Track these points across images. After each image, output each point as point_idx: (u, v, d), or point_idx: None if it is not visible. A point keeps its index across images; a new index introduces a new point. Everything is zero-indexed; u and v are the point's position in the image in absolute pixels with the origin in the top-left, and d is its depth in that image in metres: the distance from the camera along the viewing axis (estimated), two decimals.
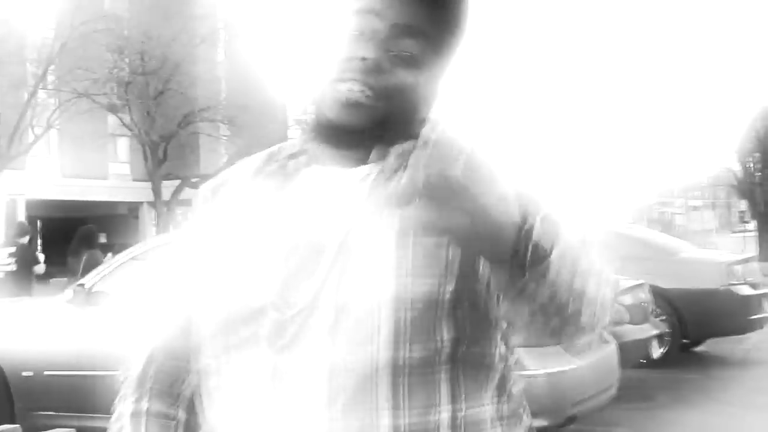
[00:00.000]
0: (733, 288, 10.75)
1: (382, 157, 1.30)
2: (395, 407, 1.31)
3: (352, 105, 1.40)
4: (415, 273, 1.33)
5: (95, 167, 44.53)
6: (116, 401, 1.60)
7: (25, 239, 13.47)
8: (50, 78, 33.67)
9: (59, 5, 37.33)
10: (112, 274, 7.29)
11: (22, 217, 41.25)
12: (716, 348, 11.56)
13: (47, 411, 7.11)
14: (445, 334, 1.34)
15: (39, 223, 47.11)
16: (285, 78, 41.42)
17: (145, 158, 36.38)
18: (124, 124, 36.79)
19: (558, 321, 1.24)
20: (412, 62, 1.42)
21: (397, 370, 1.31)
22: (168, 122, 34.91)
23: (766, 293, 11.37)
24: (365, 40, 1.41)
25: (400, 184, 1.15)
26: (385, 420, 1.31)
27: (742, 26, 48.14)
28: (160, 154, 35.69)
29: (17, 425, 2.74)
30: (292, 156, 1.53)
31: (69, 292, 7.25)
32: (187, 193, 39.37)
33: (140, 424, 1.54)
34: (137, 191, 44.62)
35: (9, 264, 12.48)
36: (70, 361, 7.04)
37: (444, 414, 1.34)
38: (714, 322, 10.72)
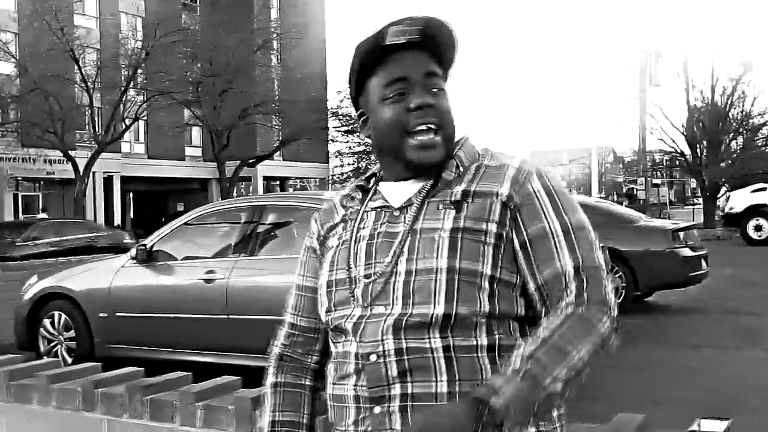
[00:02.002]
0: (676, 250, 10.65)
1: (437, 173, 1.48)
2: (444, 338, 1.38)
3: (428, 146, 1.46)
4: (463, 256, 1.40)
5: (174, 150, 44.85)
6: (266, 368, 1.68)
7: None
8: (138, 79, 33.72)
9: (145, 21, 37.50)
10: (169, 236, 7.24)
11: (117, 190, 41.65)
12: (662, 299, 11.43)
13: (118, 344, 7.11)
14: (485, 300, 1.39)
15: (131, 194, 47.69)
16: (325, 78, 41.22)
17: (213, 144, 36.51)
18: (196, 116, 36.94)
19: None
20: (441, 94, 1.49)
21: (447, 319, 1.38)
22: (230, 115, 34.94)
23: (704, 254, 11.25)
24: (414, 95, 1.46)
25: (456, 192, 1.44)
26: (438, 343, 1.37)
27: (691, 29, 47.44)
28: (224, 140, 35.77)
29: (142, 368, 2.70)
30: (368, 178, 1.59)
31: (133, 250, 7.20)
32: (245, 171, 39.56)
33: (277, 393, 1.61)
34: (207, 170, 44.97)
35: None
36: (135, 306, 7.02)
37: (483, 341, 1.39)
38: (661, 278, 10.66)
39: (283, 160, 45.96)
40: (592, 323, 1.37)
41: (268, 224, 6.97)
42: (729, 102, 33.86)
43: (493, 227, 1.43)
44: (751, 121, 34.65)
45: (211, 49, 34.48)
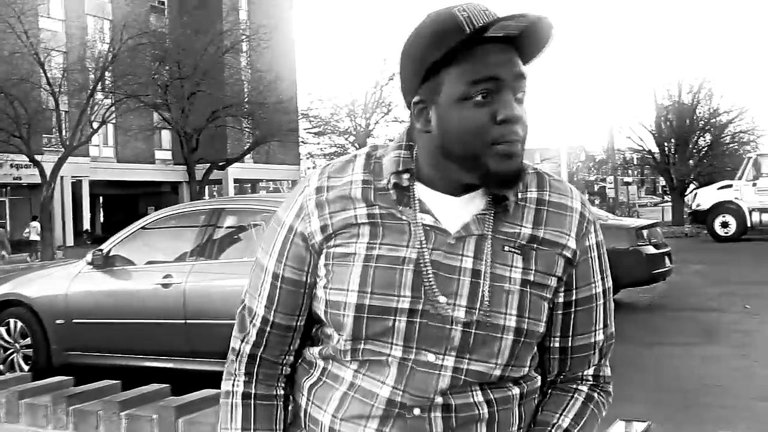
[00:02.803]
0: (640, 248, 10.70)
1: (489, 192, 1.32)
2: (484, 391, 1.30)
3: (513, 155, 1.27)
4: (531, 316, 1.29)
5: (143, 154, 44.55)
6: (228, 370, 1.43)
7: None
8: (106, 82, 33.40)
9: (112, 23, 37.19)
10: (126, 241, 7.15)
11: (86, 194, 41.23)
12: (628, 296, 11.50)
13: (76, 352, 7.02)
14: (530, 362, 1.35)
15: (101, 199, 47.26)
16: (295, 80, 41.11)
17: (182, 146, 36.30)
18: (164, 119, 36.71)
19: None
20: (523, 101, 1.30)
21: (501, 380, 1.31)
22: (199, 117, 34.77)
23: (668, 251, 11.33)
24: (502, 103, 1.25)
25: (524, 234, 1.31)
26: (480, 397, 1.29)
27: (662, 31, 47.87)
28: (194, 143, 35.60)
29: (71, 377, 2.61)
30: (399, 173, 1.32)
31: (89, 255, 7.11)
32: (215, 174, 39.39)
33: (249, 407, 1.39)
34: (177, 173, 44.70)
35: None
36: (92, 312, 6.93)
37: (515, 390, 1.33)
38: (626, 275, 10.63)
39: (254, 162, 45.80)
40: (601, 410, 1.43)
41: (227, 227, 6.91)
42: (696, 100, 34.22)
43: (554, 282, 1.33)
44: (717, 118, 35.06)
45: (180, 52, 34.30)
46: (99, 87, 32.65)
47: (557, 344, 1.38)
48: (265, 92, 36.68)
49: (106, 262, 6.97)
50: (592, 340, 1.39)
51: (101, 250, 7.04)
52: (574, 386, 1.42)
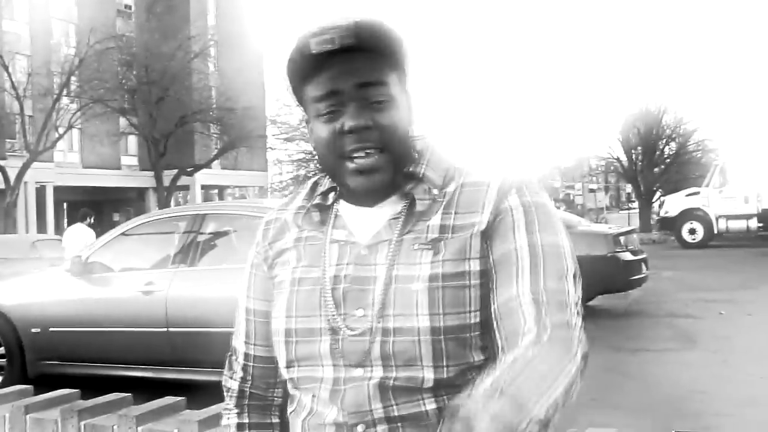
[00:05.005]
0: (617, 254, 10.74)
1: (405, 195, 1.29)
2: (438, 399, 1.23)
3: (368, 171, 1.25)
4: (446, 310, 1.22)
5: (109, 159, 43.99)
6: (223, 408, 1.48)
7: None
8: (72, 87, 32.99)
9: (78, 27, 36.74)
10: (105, 247, 7.00)
11: (50, 201, 40.62)
12: (605, 302, 11.54)
13: (52, 361, 6.85)
14: (478, 354, 1.24)
15: (65, 205, 46.56)
16: (263, 86, 40.94)
17: (149, 152, 35.93)
18: (132, 125, 36.34)
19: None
20: (385, 106, 1.26)
21: (437, 382, 1.23)
22: (167, 123, 34.43)
23: (644, 258, 11.40)
24: (347, 114, 1.24)
25: (433, 227, 1.25)
26: (432, 405, 1.23)
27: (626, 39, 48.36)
28: (161, 148, 35.21)
29: (77, 390, 2.50)
30: (326, 193, 1.36)
31: (67, 262, 6.95)
32: (183, 180, 39.03)
33: None
34: (144, 179, 44.20)
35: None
36: (70, 320, 6.77)
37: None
38: (603, 282, 10.67)
39: (222, 168, 45.47)
40: (563, 351, 1.14)
41: (209, 233, 6.80)
42: (662, 108, 34.63)
43: (475, 265, 1.23)
44: (683, 126, 35.50)
45: (147, 56, 33.99)
46: (65, 92, 32.24)
47: (488, 316, 1.23)
48: (234, 98, 36.46)
49: (85, 269, 6.81)
50: (514, 293, 1.20)
51: (80, 257, 6.88)
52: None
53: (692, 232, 24.15)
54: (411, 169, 1.30)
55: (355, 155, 1.24)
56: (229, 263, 6.41)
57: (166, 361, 6.35)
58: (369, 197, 1.29)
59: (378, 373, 1.22)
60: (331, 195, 1.36)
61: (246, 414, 1.44)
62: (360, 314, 1.24)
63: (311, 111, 1.29)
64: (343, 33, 1.21)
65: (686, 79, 40.51)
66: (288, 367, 1.31)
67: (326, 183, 1.37)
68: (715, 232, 24.00)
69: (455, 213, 1.27)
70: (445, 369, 1.22)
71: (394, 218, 1.28)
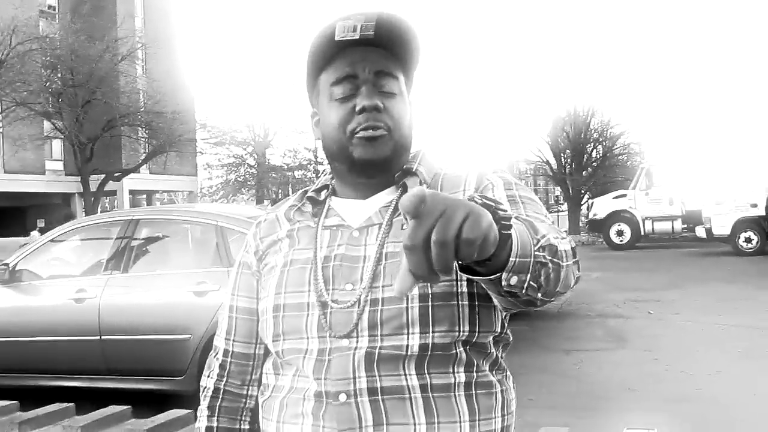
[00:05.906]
0: None
1: (393, 184, 1.38)
2: (420, 375, 1.27)
3: (374, 141, 1.34)
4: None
5: (34, 164, 42.80)
6: (198, 410, 1.52)
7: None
8: None
9: None
10: (34, 254, 6.82)
11: None
12: None
13: None
14: (465, 322, 1.29)
15: None
16: (192, 89, 40.47)
17: (75, 157, 35.04)
18: (57, 128, 35.36)
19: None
20: (395, 98, 1.37)
21: (423, 350, 1.27)
22: (94, 126, 33.64)
23: (576, 260, 11.55)
24: (361, 96, 1.34)
25: None
26: (414, 381, 1.27)
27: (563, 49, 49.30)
28: (88, 153, 34.35)
29: (15, 401, 2.42)
30: (318, 190, 1.46)
31: None
32: (110, 185, 38.23)
33: None
34: (69, 184, 43.14)
35: None
36: None
37: (461, 378, 1.30)
38: None
39: (150, 173, 44.69)
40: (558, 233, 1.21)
41: (142, 239, 6.68)
42: (590, 112, 35.32)
43: None
44: (610, 130, 36.28)
45: (73, 58, 33.16)
46: None
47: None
48: (163, 101, 35.86)
49: (12, 277, 6.62)
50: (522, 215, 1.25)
51: (6, 264, 6.68)
52: None
53: (620, 233, 24.68)
54: (405, 166, 1.40)
55: (364, 131, 1.33)
56: (164, 269, 6.32)
57: (100, 370, 6.22)
58: (370, 169, 1.36)
59: (364, 342, 1.27)
60: (324, 192, 1.46)
61: (215, 417, 1.47)
62: (349, 288, 1.31)
63: (324, 97, 1.38)
64: (366, 24, 1.32)
65: (613, 83, 41.49)
66: (274, 340, 1.35)
67: (318, 183, 1.47)
68: (642, 233, 24.59)
69: (441, 192, 1.34)
70: (431, 336, 1.26)
71: (384, 206, 1.38)
